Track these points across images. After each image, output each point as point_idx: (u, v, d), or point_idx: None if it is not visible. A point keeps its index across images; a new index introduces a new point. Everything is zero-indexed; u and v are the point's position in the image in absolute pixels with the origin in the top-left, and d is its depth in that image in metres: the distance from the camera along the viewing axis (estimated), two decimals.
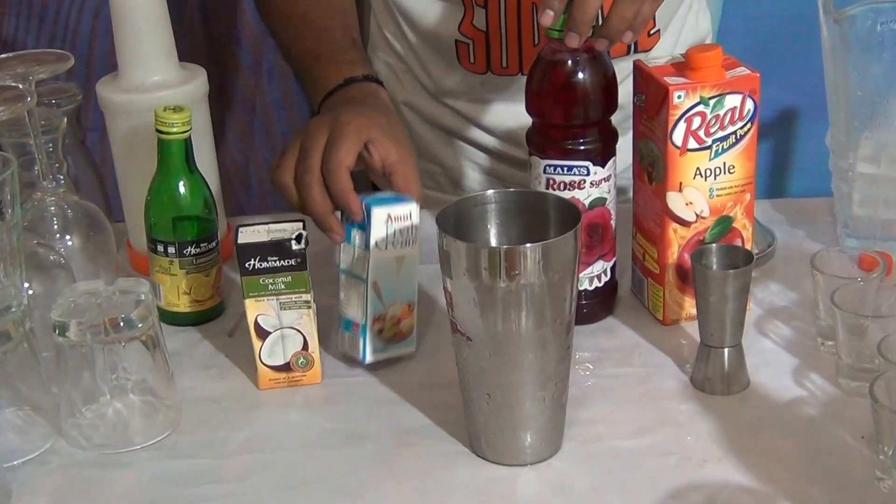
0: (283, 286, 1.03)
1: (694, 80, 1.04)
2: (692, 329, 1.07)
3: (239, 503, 0.93)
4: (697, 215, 1.09)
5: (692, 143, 1.06)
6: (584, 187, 1.08)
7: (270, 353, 1.05)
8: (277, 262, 1.02)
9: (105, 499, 0.95)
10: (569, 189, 1.08)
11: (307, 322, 1.04)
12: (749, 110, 1.06)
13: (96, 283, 1.02)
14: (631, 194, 1.16)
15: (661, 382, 1.05)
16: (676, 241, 1.10)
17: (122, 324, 0.98)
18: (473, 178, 1.43)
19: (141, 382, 1.02)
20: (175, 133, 1.11)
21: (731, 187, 1.08)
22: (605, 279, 1.13)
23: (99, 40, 1.72)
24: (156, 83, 1.20)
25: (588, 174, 1.08)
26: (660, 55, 1.12)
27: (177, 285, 1.15)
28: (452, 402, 0.99)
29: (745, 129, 1.07)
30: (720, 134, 1.06)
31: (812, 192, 1.39)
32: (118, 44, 1.21)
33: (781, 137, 1.94)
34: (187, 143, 1.12)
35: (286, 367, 1.06)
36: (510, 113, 1.35)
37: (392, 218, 1.03)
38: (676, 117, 1.05)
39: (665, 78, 1.05)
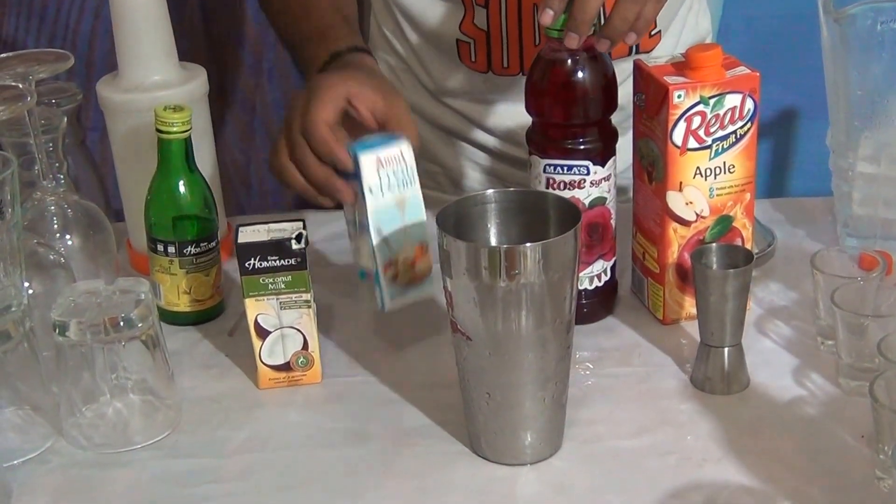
0: (283, 286, 1.03)
1: (694, 79, 1.04)
2: (692, 328, 1.07)
3: (239, 502, 0.93)
4: (697, 215, 1.09)
5: (692, 143, 1.06)
6: (584, 187, 1.08)
7: (270, 352, 1.05)
8: (277, 261, 1.02)
9: (105, 498, 0.95)
10: (569, 188, 1.08)
11: (307, 321, 1.04)
12: (749, 110, 1.06)
13: (96, 283, 1.02)
14: (631, 194, 1.16)
15: (661, 382, 1.05)
16: (676, 241, 1.10)
17: (122, 323, 0.98)
18: (474, 177, 1.43)
19: (141, 382, 1.02)
20: (175, 132, 1.11)
21: (731, 187, 1.08)
22: (605, 279, 1.13)
23: (99, 40, 1.72)
24: (156, 83, 1.20)
25: (588, 174, 1.08)
26: (660, 55, 1.12)
27: (177, 285, 1.15)
28: (452, 401, 0.99)
29: (745, 128, 1.07)
30: (720, 133, 1.06)
31: (812, 191, 1.39)
32: (118, 43, 1.21)
33: (781, 137, 1.94)
34: (187, 143, 1.12)
35: (286, 367, 1.06)
36: (510, 113, 1.35)
37: (382, 161, 1.01)
38: (676, 117, 1.05)
39: (665, 77, 1.05)
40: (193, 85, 1.21)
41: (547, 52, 1.06)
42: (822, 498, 0.90)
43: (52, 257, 1.08)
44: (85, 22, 1.75)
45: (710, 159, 1.07)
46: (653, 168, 1.09)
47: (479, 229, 0.97)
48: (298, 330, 1.05)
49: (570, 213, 0.94)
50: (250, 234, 1.03)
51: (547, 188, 1.08)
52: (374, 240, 1.01)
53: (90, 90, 1.25)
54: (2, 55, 1.13)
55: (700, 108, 1.05)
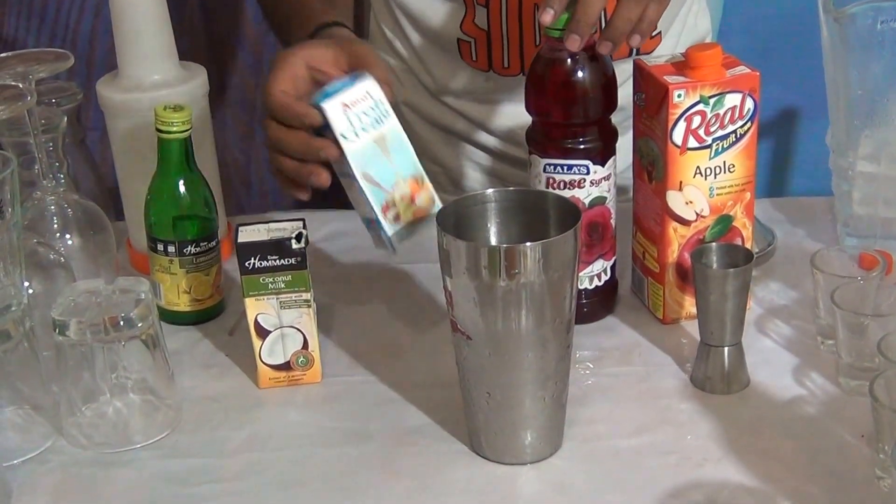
0: (282, 285, 1.03)
1: (694, 78, 1.04)
2: (692, 328, 1.07)
3: (239, 502, 0.94)
4: (697, 214, 1.09)
5: (692, 142, 1.06)
6: (584, 186, 1.08)
7: (270, 351, 1.05)
8: (277, 261, 1.02)
9: (105, 498, 0.95)
10: (569, 188, 1.08)
11: (307, 321, 1.04)
12: (749, 109, 1.06)
13: (96, 282, 1.02)
14: (631, 193, 1.16)
15: (661, 381, 1.05)
16: (676, 240, 1.10)
17: (122, 323, 0.98)
18: (474, 177, 1.43)
19: (141, 381, 1.02)
20: (175, 132, 1.11)
21: (731, 186, 1.08)
22: (605, 278, 1.13)
23: (99, 39, 1.73)
24: (156, 82, 1.20)
25: (588, 173, 1.08)
26: (660, 55, 1.12)
27: (177, 284, 1.15)
28: (452, 401, 0.99)
29: (745, 127, 1.07)
30: (720, 133, 1.06)
31: (812, 190, 1.39)
32: (118, 43, 1.21)
33: (781, 136, 1.94)
34: (187, 142, 1.12)
35: (286, 366, 1.06)
36: (511, 112, 1.35)
37: (348, 104, 0.98)
38: (676, 116, 1.05)
39: (665, 77, 1.05)
40: (193, 84, 1.21)
41: (547, 51, 1.06)
42: (822, 497, 0.90)
43: (52, 257, 1.08)
44: (85, 21, 1.75)
45: (710, 159, 1.07)
46: (653, 167, 1.09)
47: (479, 229, 0.97)
48: (298, 329, 1.05)
49: (570, 212, 0.94)
50: (250, 233, 1.03)
51: (547, 188, 1.08)
52: (363, 185, 0.99)
53: (90, 90, 1.25)
54: (2, 55, 1.13)
55: (700, 107, 1.05)
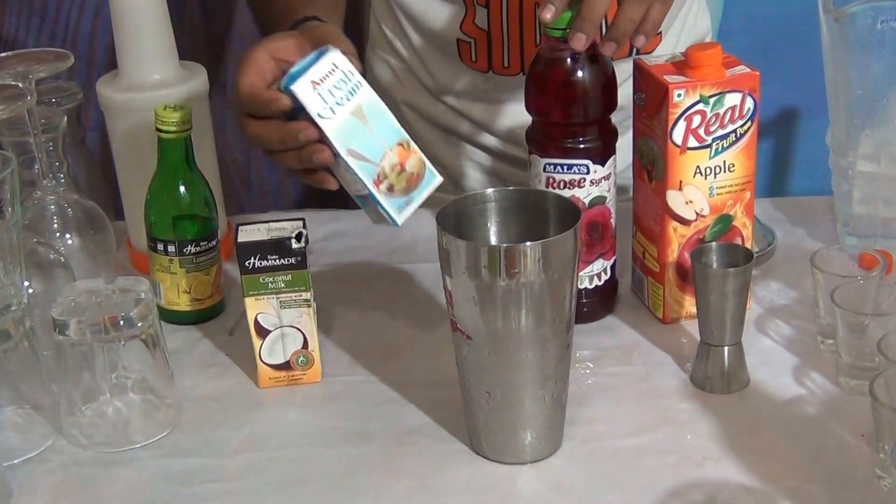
0: (282, 284, 1.03)
1: (694, 78, 1.04)
2: (692, 327, 1.07)
3: (239, 502, 0.94)
4: (697, 214, 1.09)
5: (692, 142, 1.06)
6: (583, 186, 1.08)
7: (270, 351, 1.05)
8: (277, 260, 1.02)
9: (105, 497, 0.95)
10: (569, 188, 1.08)
11: (307, 320, 1.04)
12: (749, 109, 1.06)
13: (96, 282, 1.02)
14: (631, 193, 1.16)
15: (661, 381, 1.05)
16: (676, 240, 1.10)
17: (122, 322, 0.98)
18: (474, 177, 1.43)
19: (141, 381, 1.02)
20: (175, 132, 1.11)
21: (731, 186, 1.08)
22: (604, 278, 1.13)
23: (99, 39, 1.72)
24: (156, 82, 1.20)
25: (588, 173, 1.08)
26: (660, 55, 1.12)
27: (177, 284, 1.15)
28: (452, 400, 0.99)
29: (745, 127, 1.07)
30: (720, 132, 1.06)
31: (812, 190, 1.39)
32: (118, 42, 1.21)
33: (781, 136, 1.94)
34: (187, 142, 1.12)
35: (286, 366, 1.06)
36: (511, 112, 1.35)
37: (317, 81, 0.95)
38: (676, 116, 1.05)
39: (665, 76, 1.05)
40: (193, 84, 1.21)
41: (547, 51, 1.06)
42: (821, 497, 0.90)
43: (52, 256, 1.08)
44: (85, 21, 1.74)
45: (710, 158, 1.07)
46: (653, 167, 1.09)
47: (478, 228, 0.97)
48: (298, 329, 1.05)
49: (569, 211, 0.94)
50: (250, 233, 1.03)
51: (547, 187, 1.08)
52: (350, 161, 0.96)
53: (90, 89, 1.25)
54: (2, 54, 1.13)
55: (700, 107, 1.05)
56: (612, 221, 1.12)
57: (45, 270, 1.07)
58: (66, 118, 1.21)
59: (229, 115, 1.82)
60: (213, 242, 1.15)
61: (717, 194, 1.08)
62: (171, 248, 1.13)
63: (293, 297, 1.03)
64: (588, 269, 1.12)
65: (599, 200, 1.09)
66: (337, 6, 1.21)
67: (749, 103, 1.06)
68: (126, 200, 1.26)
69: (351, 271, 1.25)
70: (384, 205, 0.98)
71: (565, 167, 1.07)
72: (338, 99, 0.96)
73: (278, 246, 1.02)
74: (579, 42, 1.00)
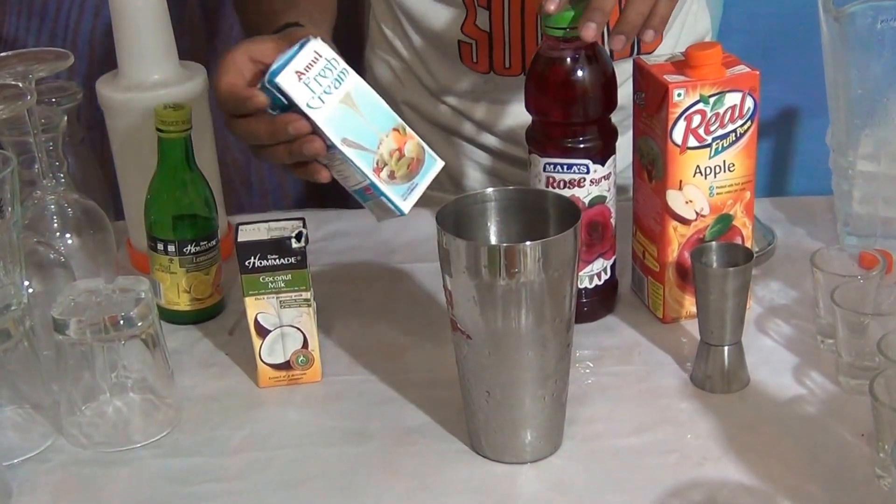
0: (282, 284, 1.03)
1: (694, 77, 1.04)
2: (692, 327, 1.07)
3: (239, 501, 0.94)
4: (697, 213, 1.09)
5: (692, 141, 1.06)
6: (583, 185, 1.08)
7: (270, 351, 1.05)
8: (277, 260, 1.02)
9: (105, 497, 0.95)
10: (569, 187, 1.08)
11: (307, 320, 1.04)
12: (749, 108, 1.06)
13: (96, 282, 1.02)
14: (631, 192, 1.16)
15: (661, 380, 1.05)
16: (676, 240, 1.10)
17: (122, 322, 0.98)
18: (474, 177, 1.43)
19: (141, 381, 1.02)
20: (175, 131, 1.11)
21: (731, 185, 1.08)
22: (604, 277, 1.13)
23: (99, 39, 1.72)
24: (156, 81, 1.20)
25: (588, 172, 1.08)
26: (660, 54, 1.12)
27: (177, 283, 1.15)
28: (452, 400, 0.99)
29: (745, 127, 1.07)
30: (720, 132, 1.06)
31: (812, 190, 1.39)
32: (118, 42, 1.21)
33: (781, 135, 1.94)
34: (187, 142, 1.12)
35: (286, 366, 1.06)
36: (512, 112, 1.35)
37: (301, 71, 0.92)
38: (676, 115, 1.05)
39: (665, 76, 1.05)
40: (193, 83, 1.21)
41: (546, 50, 1.06)
42: (821, 496, 0.90)
43: (51, 256, 1.08)
44: (85, 21, 1.74)
45: (710, 158, 1.07)
46: (653, 167, 1.09)
47: (478, 228, 0.97)
48: (298, 328, 1.05)
49: (569, 211, 0.94)
50: (250, 232, 1.03)
51: (547, 187, 1.08)
52: (346, 151, 0.93)
53: (90, 89, 1.25)
54: (2, 54, 1.13)
55: (700, 106, 1.05)
56: (612, 221, 1.12)
57: (44, 270, 1.08)
58: (66, 118, 1.21)
59: None
60: (213, 242, 1.15)
61: (717, 194, 1.08)
62: (170, 248, 1.13)
63: (293, 297, 1.03)
64: (588, 268, 1.12)
65: (599, 200, 1.09)
66: (324, 12, 1.19)
67: (749, 103, 1.06)
68: (126, 200, 1.26)
69: (351, 271, 1.25)
70: (387, 193, 0.95)
71: (565, 167, 1.07)
72: (325, 88, 0.93)
73: (278, 245, 1.02)
74: (590, 31, 0.99)
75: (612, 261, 1.14)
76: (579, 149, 1.07)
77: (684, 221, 1.09)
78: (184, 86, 1.20)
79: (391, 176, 0.95)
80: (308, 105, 0.92)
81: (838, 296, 0.99)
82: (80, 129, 1.34)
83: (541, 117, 1.09)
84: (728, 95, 1.05)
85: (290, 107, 0.93)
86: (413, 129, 0.97)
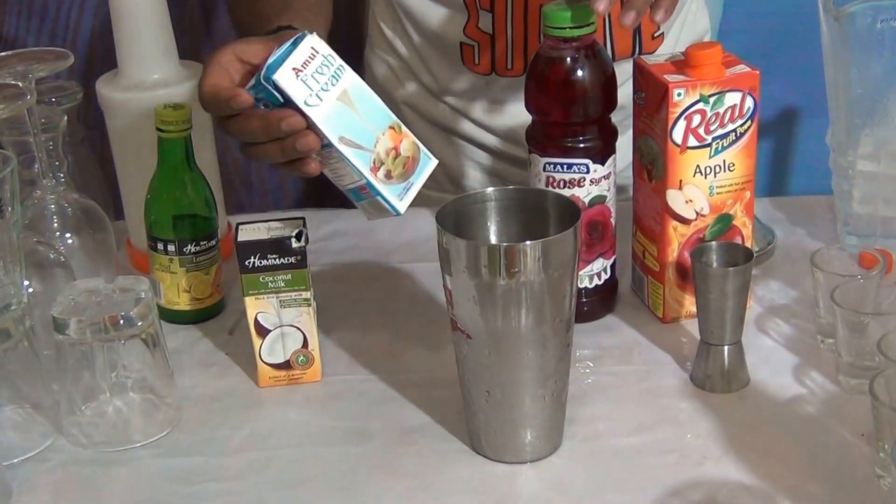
0: (282, 284, 1.03)
1: (694, 77, 1.04)
2: (692, 327, 1.07)
3: (239, 501, 0.93)
4: (697, 213, 1.09)
5: (692, 141, 1.06)
6: (583, 185, 1.08)
7: (270, 350, 1.05)
8: (277, 259, 1.02)
9: (105, 497, 0.95)
10: (569, 187, 1.08)
11: (307, 320, 1.04)
12: (749, 108, 1.06)
13: (96, 281, 1.02)
14: (631, 192, 1.16)
15: (661, 380, 1.05)
16: (676, 239, 1.10)
17: (122, 322, 0.98)
18: (474, 177, 1.43)
19: (141, 380, 1.02)
20: (175, 131, 1.11)
21: (731, 185, 1.08)
22: (604, 277, 1.13)
23: (99, 39, 1.72)
24: (156, 81, 1.20)
25: (588, 172, 1.08)
26: (660, 54, 1.12)
27: (177, 283, 1.15)
28: (452, 400, 0.99)
29: (745, 126, 1.07)
30: (720, 132, 1.06)
31: (812, 189, 1.39)
32: (118, 42, 1.21)
33: (781, 135, 1.94)
34: (187, 141, 1.12)
35: (286, 365, 1.06)
36: (512, 112, 1.35)
37: (298, 68, 0.90)
38: (676, 115, 1.04)
39: (665, 75, 1.05)
40: (194, 83, 1.21)
41: (547, 50, 1.06)
42: (821, 496, 0.90)
43: (51, 256, 1.08)
44: (85, 21, 1.74)
45: (710, 157, 1.07)
46: (653, 166, 1.09)
47: (478, 227, 0.97)
48: (298, 328, 1.05)
49: (569, 211, 0.94)
50: (250, 232, 1.03)
51: (547, 186, 1.08)
52: (343, 150, 0.92)
53: (90, 89, 1.25)
54: (2, 54, 1.13)
55: (700, 106, 1.05)
56: (612, 221, 1.12)
57: (44, 270, 1.07)
58: (65, 118, 1.21)
59: None
60: (213, 242, 1.15)
61: (717, 193, 1.08)
62: (170, 248, 1.13)
63: (293, 297, 1.03)
64: (588, 268, 1.12)
65: (599, 200, 1.09)
66: (319, 14, 1.18)
67: (749, 102, 1.06)
68: (126, 200, 1.26)
69: (351, 271, 1.25)
70: (384, 193, 0.94)
71: (565, 166, 1.07)
72: (322, 85, 0.91)
73: (278, 245, 1.02)
74: (629, 18, 0.99)
75: (612, 260, 1.14)
76: (579, 148, 1.07)
77: (684, 221, 1.09)
78: (184, 85, 1.20)
79: (388, 175, 0.94)
80: (306, 103, 0.91)
81: (838, 295, 0.99)
82: (80, 129, 1.34)
83: (541, 117, 1.09)
84: (728, 95, 1.05)
85: (285, 104, 0.92)
86: (412, 130, 0.97)
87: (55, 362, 1.00)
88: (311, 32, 0.93)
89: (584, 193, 1.08)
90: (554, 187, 1.08)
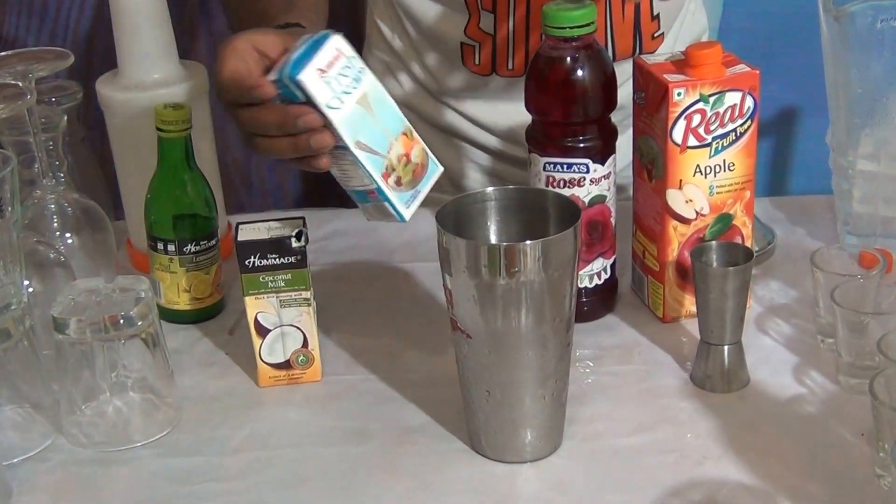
0: (282, 283, 1.03)
1: (694, 77, 1.04)
2: (692, 326, 1.07)
3: (239, 501, 0.93)
4: (697, 213, 1.09)
5: (692, 141, 1.06)
6: (583, 185, 1.08)
7: (270, 350, 1.05)
8: (277, 259, 1.02)
9: (105, 496, 0.95)
10: (568, 187, 1.08)
11: (307, 319, 1.04)
12: (749, 107, 1.06)
13: (96, 281, 1.02)
14: (631, 192, 1.16)
15: (661, 380, 1.05)
16: (676, 239, 1.10)
17: (122, 321, 0.98)
18: (474, 178, 1.43)
19: (141, 380, 1.02)
20: (175, 131, 1.11)
21: (731, 185, 1.08)
22: (604, 277, 1.13)
23: (99, 39, 1.72)
24: (156, 81, 1.20)
25: (588, 172, 1.08)
26: (659, 53, 1.12)
27: (177, 283, 1.15)
28: (452, 399, 0.99)
29: (745, 126, 1.07)
30: (720, 131, 1.06)
31: (812, 189, 1.39)
32: (118, 41, 1.21)
33: (781, 135, 1.94)
34: (187, 141, 1.12)
35: (286, 365, 1.06)
36: (512, 112, 1.34)
37: (323, 69, 0.89)
38: (676, 114, 1.04)
39: (665, 75, 1.05)
40: (194, 83, 1.21)
41: (547, 49, 1.06)
42: (821, 495, 0.90)
43: (51, 255, 1.08)
44: (85, 21, 1.75)
45: (710, 157, 1.07)
46: (652, 166, 1.09)
47: (478, 227, 0.97)
48: (298, 328, 1.05)
49: (569, 210, 0.94)
50: (250, 231, 1.03)
51: (547, 186, 1.08)
52: (359, 154, 0.91)
53: (90, 88, 1.25)
54: (2, 53, 1.13)
55: (700, 105, 1.05)
56: (612, 220, 1.12)
57: (44, 270, 1.08)
58: (65, 117, 1.21)
59: (229, 115, 1.82)
60: (213, 241, 1.15)
61: (717, 193, 1.08)
62: (170, 248, 1.13)
63: (293, 296, 1.03)
64: (588, 268, 1.12)
65: (599, 199, 1.09)
66: (319, 14, 1.18)
67: (749, 102, 1.06)
68: (126, 200, 1.26)
69: (351, 270, 1.25)
70: (392, 200, 0.94)
71: (565, 166, 1.07)
72: (344, 87, 0.90)
73: (278, 245, 1.02)
74: None
75: (612, 260, 1.14)
76: (579, 148, 1.07)
77: (684, 221, 1.09)
78: (184, 85, 1.20)
79: (398, 182, 0.94)
80: (328, 105, 0.90)
81: (838, 295, 0.99)
82: (80, 128, 1.34)
83: (541, 117, 1.09)
84: (728, 95, 1.05)
85: (304, 103, 0.91)
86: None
87: (55, 362, 1.00)
88: (337, 32, 0.92)
89: (584, 193, 1.08)
90: (554, 187, 1.08)
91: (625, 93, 1.12)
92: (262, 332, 1.05)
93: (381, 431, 1.00)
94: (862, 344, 0.99)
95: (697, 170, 1.07)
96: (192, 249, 1.14)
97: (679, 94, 1.04)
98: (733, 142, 1.07)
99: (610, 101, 1.08)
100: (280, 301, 1.03)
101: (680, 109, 1.04)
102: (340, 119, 0.90)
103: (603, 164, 1.08)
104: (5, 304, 0.97)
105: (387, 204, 0.95)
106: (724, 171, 1.08)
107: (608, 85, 1.07)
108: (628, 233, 1.16)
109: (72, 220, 1.16)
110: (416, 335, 1.12)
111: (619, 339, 1.11)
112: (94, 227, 1.17)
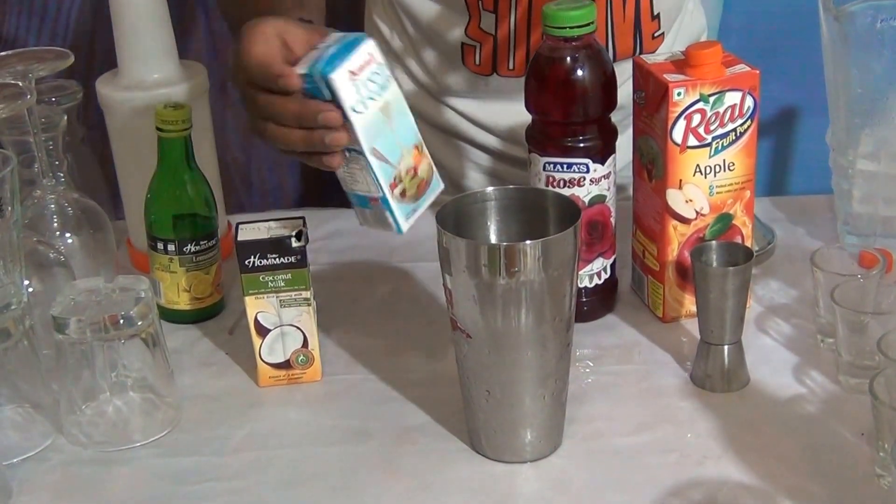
0: (282, 283, 1.03)
1: (694, 77, 1.04)
2: (692, 326, 1.07)
3: (239, 500, 0.93)
4: (697, 212, 1.09)
5: (692, 141, 1.06)
6: (583, 185, 1.08)
7: (270, 350, 1.05)
8: (277, 259, 1.02)
9: (105, 496, 0.95)
10: (568, 186, 1.08)
11: (307, 319, 1.04)
12: (749, 107, 1.06)
13: (96, 281, 1.02)
14: (631, 192, 1.16)
15: (661, 380, 1.05)
16: (676, 239, 1.10)
17: (121, 321, 0.98)
18: (474, 178, 1.43)
19: (141, 380, 1.02)
20: (175, 131, 1.11)
21: (731, 184, 1.08)
22: (604, 276, 1.13)
23: (99, 39, 1.72)
24: (156, 80, 1.20)
25: (588, 171, 1.08)
26: (659, 53, 1.12)
27: (177, 283, 1.15)
28: (452, 399, 0.99)
29: (745, 126, 1.07)
30: (720, 131, 1.06)
31: (812, 189, 1.39)
32: (118, 41, 1.21)
33: (781, 135, 1.94)
34: (187, 141, 1.12)
35: (286, 365, 1.06)
36: (512, 112, 1.34)
37: (355, 72, 0.89)
38: (676, 114, 1.04)
39: (665, 75, 1.05)
40: (194, 83, 1.21)
41: (547, 50, 1.06)
42: (821, 495, 0.90)
43: (51, 255, 1.09)
44: (85, 21, 1.75)
45: (710, 157, 1.07)
46: (652, 166, 1.09)
47: (478, 227, 0.97)
48: (298, 328, 1.05)
49: (569, 210, 0.94)
50: (250, 231, 1.03)
51: (547, 186, 1.08)
52: (372, 161, 0.91)
53: (90, 88, 1.25)
54: (2, 53, 1.13)
55: (700, 105, 1.05)
56: (612, 220, 1.12)
57: (44, 269, 1.08)
58: (65, 117, 1.21)
59: (229, 115, 1.82)
60: (213, 241, 1.15)
61: (717, 193, 1.08)
62: (170, 247, 1.13)
63: (293, 296, 1.03)
64: (588, 267, 1.12)
65: (599, 199, 1.09)
66: (321, 12, 1.18)
67: (749, 102, 1.06)
68: (126, 199, 1.26)
69: (351, 270, 1.25)
70: (395, 211, 0.94)
71: (565, 166, 1.07)
72: (370, 93, 0.90)
73: (278, 245, 1.02)
74: None
75: (611, 260, 1.14)
76: (579, 148, 1.07)
77: (684, 220, 1.09)
78: (184, 85, 1.20)
79: (402, 194, 0.94)
80: (353, 109, 0.89)
81: (838, 295, 0.99)
82: (80, 128, 1.34)
83: (541, 117, 1.09)
84: (728, 94, 1.05)
85: (329, 101, 0.90)
86: None
87: (55, 362, 1.00)
88: (370, 37, 0.92)
89: (583, 193, 1.08)
90: (554, 187, 1.08)
91: (625, 93, 1.12)
92: (262, 331, 1.05)
93: (381, 431, 1.00)
94: (862, 343, 0.99)
95: (697, 169, 1.07)
96: (192, 249, 1.14)
97: (679, 94, 1.04)
98: (733, 142, 1.07)
99: (610, 101, 1.08)
100: (280, 301, 1.03)
101: (680, 109, 1.04)
102: (362, 124, 0.90)
103: (603, 163, 1.08)
104: (5, 304, 0.97)
105: (387, 213, 0.95)
106: (724, 170, 1.08)
107: (608, 85, 1.07)
108: (628, 232, 1.16)
109: (72, 220, 1.16)
110: (416, 335, 1.12)
111: (619, 338, 1.11)
112: (94, 226, 1.18)
